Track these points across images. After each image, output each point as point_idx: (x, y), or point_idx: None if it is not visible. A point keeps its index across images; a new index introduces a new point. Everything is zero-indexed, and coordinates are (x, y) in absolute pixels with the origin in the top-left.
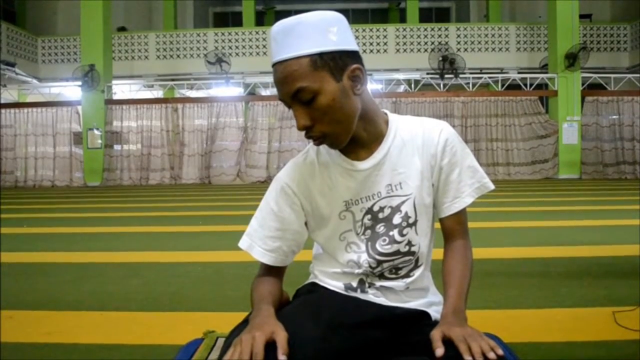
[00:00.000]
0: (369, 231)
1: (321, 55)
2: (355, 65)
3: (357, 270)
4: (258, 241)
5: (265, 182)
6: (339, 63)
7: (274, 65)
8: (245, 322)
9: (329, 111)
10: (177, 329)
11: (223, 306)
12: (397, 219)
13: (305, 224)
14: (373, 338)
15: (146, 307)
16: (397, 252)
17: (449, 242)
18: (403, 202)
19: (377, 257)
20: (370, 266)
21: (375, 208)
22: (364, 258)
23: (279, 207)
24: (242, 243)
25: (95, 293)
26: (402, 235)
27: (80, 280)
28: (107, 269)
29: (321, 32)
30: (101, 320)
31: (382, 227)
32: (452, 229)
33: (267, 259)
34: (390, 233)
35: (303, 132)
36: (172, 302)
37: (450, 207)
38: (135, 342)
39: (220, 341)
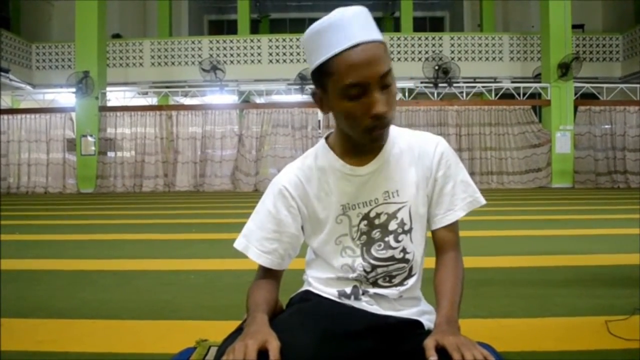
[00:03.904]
0: (364, 236)
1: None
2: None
3: (351, 275)
4: (255, 242)
5: (258, 190)
6: None
7: (360, 45)
8: (239, 330)
9: (394, 100)
10: (170, 338)
11: (216, 315)
12: (392, 225)
13: (302, 228)
14: (366, 347)
15: (138, 316)
16: (392, 258)
17: (441, 254)
18: (399, 209)
19: (372, 261)
20: (364, 270)
21: (372, 214)
22: (358, 262)
23: (276, 210)
24: (238, 244)
25: (87, 301)
26: (397, 241)
27: (72, 288)
28: (99, 277)
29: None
30: (93, 329)
31: (377, 233)
32: (444, 241)
33: (262, 260)
34: (386, 239)
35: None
36: (164, 310)
37: (443, 220)
38: (127, 351)
39: (213, 350)
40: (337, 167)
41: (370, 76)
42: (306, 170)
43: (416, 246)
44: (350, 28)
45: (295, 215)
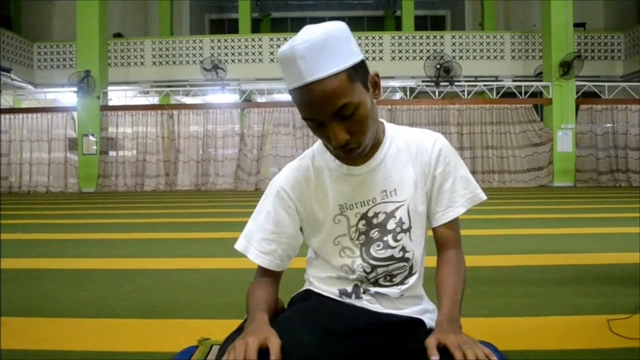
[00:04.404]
0: (363, 236)
1: (353, 67)
2: (374, 72)
3: (351, 276)
4: (254, 243)
5: (260, 189)
6: (364, 72)
7: (307, 85)
8: (240, 330)
9: (366, 121)
10: (172, 336)
11: (218, 313)
12: (391, 225)
13: (301, 229)
14: (368, 345)
15: (140, 314)
16: (392, 258)
17: (442, 252)
18: (397, 208)
19: (372, 261)
20: (364, 271)
21: (370, 214)
22: (358, 263)
23: (275, 211)
24: (238, 245)
25: (88, 300)
26: (396, 240)
27: (74, 287)
28: (101, 276)
29: (347, 44)
30: (95, 327)
31: (376, 233)
32: (445, 238)
33: (261, 261)
34: (385, 238)
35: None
36: (166, 309)
37: (443, 217)
38: (129, 349)
39: (215, 349)
40: (334, 168)
41: (320, 115)
42: (303, 171)
43: (416, 245)
44: (300, 65)
45: (293, 215)
